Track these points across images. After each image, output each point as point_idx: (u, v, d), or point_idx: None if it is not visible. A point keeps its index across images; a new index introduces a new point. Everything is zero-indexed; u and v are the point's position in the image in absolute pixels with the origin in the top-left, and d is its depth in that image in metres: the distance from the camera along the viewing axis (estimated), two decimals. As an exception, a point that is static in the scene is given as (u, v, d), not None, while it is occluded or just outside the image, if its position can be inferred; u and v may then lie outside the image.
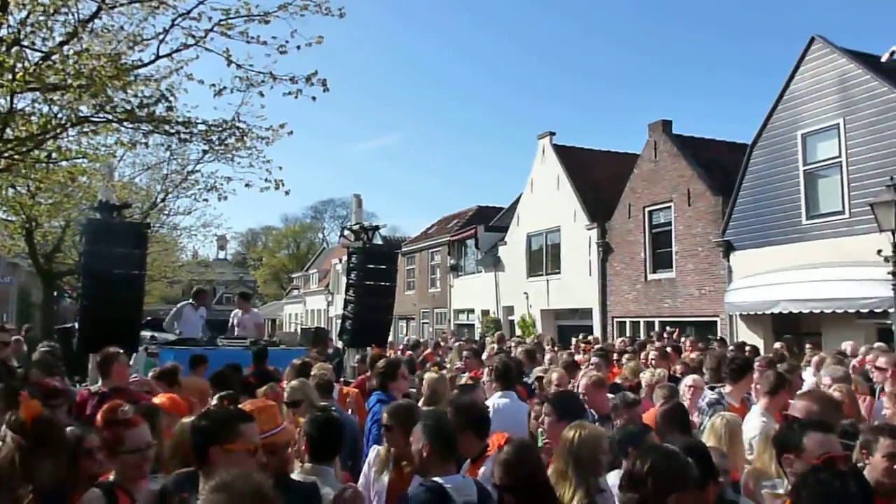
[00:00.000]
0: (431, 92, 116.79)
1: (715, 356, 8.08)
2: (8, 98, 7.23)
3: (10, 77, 6.39)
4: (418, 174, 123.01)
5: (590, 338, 16.47)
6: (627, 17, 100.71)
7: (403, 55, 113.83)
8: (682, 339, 14.19)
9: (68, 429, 3.65)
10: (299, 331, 18.18)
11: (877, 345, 9.97)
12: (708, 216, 18.42)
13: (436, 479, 3.51)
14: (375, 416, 5.45)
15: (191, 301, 13.01)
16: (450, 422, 3.98)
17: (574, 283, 23.25)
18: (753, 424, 5.11)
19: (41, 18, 6.78)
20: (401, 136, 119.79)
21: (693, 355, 10.14)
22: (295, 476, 3.67)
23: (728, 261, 17.60)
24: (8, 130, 7.34)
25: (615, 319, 21.70)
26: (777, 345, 12.93)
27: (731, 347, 13.03)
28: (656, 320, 19.81)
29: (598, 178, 23.39)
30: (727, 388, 6.08)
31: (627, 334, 19.67)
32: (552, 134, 25.56)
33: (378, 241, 13.89)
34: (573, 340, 15.53)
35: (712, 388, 6.19)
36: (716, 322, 17.95)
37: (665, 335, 15.88)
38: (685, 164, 19.25)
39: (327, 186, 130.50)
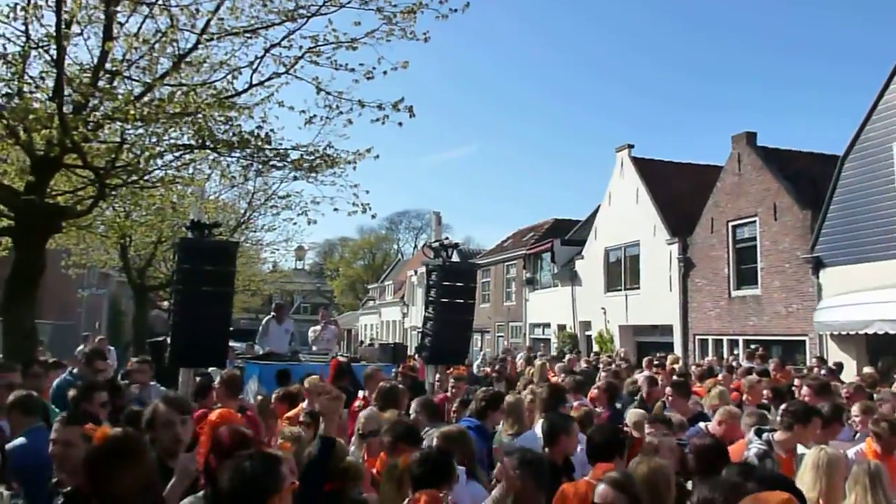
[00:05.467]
0: (507, 108, 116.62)
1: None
2: (119, 130, 7.63)
3: (121, 109, 6.73)
4: (491, 186, 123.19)
5: (665, 357, 15.98)
6: (709, 39, 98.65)
7: (477, 74, 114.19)
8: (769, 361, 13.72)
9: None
10: (378, 346, 18.42)
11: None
12: (795, 231, 17.81)
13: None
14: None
15: (273, 315, 13.52)
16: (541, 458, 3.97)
17: (654, 298, 22.82)
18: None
19: (146, 53, 7.14)
20: (475, 147, 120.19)
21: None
22: None
23: (817, 277, 16.97)
24: (119, 160, 7.74)
25: (697, 337, 21.17)
26: (867, 369, 12.37)
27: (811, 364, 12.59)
28: (740, 338, 19.25)
29: (678, 192, 22.91)
30: (778, 435, 5.28)
31: (710, 352, 19.21)
32: (631, 146, 25.20)
33: (456, 258, 13.96)
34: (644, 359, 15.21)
35: (759, 434, 5.33)
36: (804, 342, 17.32)
37: (748, 353, 15.43)
38: (771, 176, 18.70)
39: (402, 198, 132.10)
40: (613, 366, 12.83)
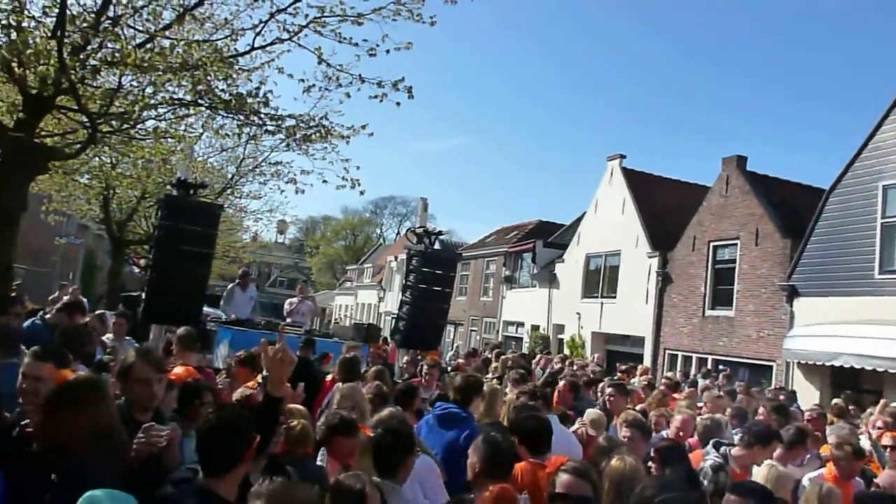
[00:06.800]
0: (499, 113, 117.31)
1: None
2: (117, 76, 7.57)
3: (123, 51, 6.65)
4: (475, 183, 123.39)
5: (635, 367, 16.12)
6: (706, 70, 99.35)
7: (487, 56, 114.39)
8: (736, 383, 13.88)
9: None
10: (352, 325, 18.42)
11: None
12: (774, 258, 18.00)
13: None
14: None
15: (237, 282, 13.58)
16: (508, 442, 4.00)
17: (629, 309, 22.97)
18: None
19: (151, 1, 7.07)
20: (470, 139, 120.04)
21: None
22: None
23: (791, 306, 17.16)
24: (112, 106, 7.67)
25: (667, 351, 21.35)
26: (836, 400, 12.56)
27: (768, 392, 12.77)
28: (710, 357, 19.43)
29: (664, 207, 23.06)
30: (736, 451, 5.41)
31: (679, 368, 19.37)
32: (622, 157, 25.33)
33: (438, 246, 14.01)
34: (617, 366, 15.34)
35: (718, 447, 5.49)
36: (771, 367, 17.53)
37: (716, 374, 15.60)
38: (756, 202, 18.87)
39: (389, 182, 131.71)
40: (585, 369, 12.94)
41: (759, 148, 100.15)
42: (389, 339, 14.37)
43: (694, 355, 20.23)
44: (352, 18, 8.00)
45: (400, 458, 3.82)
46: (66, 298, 11.17)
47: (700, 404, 9.57)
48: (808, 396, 14.43)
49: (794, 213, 18.29)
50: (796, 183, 20.90)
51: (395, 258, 43.02)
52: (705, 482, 5.02)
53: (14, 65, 6.65)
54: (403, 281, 13.20)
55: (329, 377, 7.87)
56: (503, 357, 13.38)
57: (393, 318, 14.84)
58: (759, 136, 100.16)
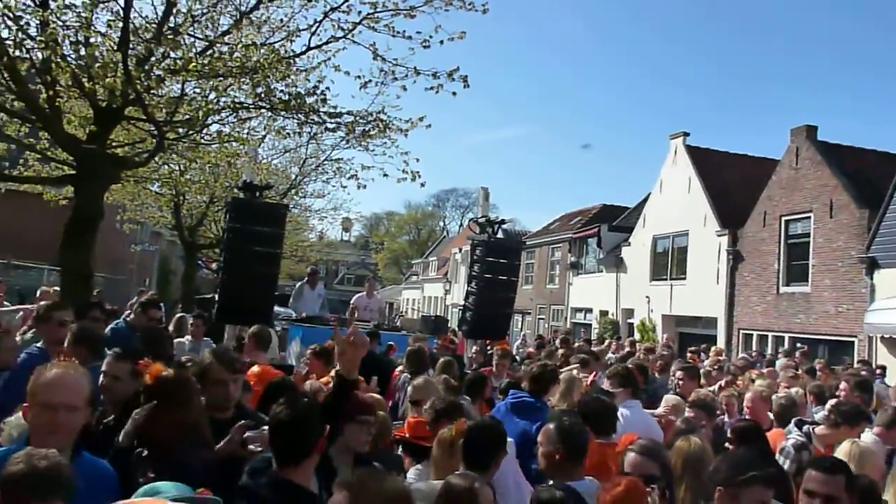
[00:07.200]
0: (567, 82, 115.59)
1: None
2: (180, 84, 7.83)
3: (184, 57, 6.87)
4: (542, 167, 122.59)
5: (709, 348, 15.77)
6: (768, 44, 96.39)
7: (543, 43, 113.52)
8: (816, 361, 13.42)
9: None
10: (420, 318, 18.58)
11: None
12: (851, 230, 17.35)
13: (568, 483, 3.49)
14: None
15: (306, 280, 13.87)
16: (581, 425, 3.96)
17: (699, 290, 22.50)
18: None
19: (209, 9, 7.27)
20: (528, 128, 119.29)
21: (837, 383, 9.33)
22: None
23: (871, 278, 16.53)
24: (178, 114, 7.93)
25: (741, 331, 20.85)
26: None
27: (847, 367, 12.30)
28: (786, 335, 18.89)
29: (731, 183, 22.49)
30: (821, 429, 5.22)
31: (754, 348, 18.89)
32: (686, 135, 24.77)
33: (501, 235, 13.97)
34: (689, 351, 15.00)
35: (800, 426, 5.30)
36: (852, 343, 16.93)
37: (796, 352, 15.13)
38: (829, 172, 18.21)
39: (450, 175, 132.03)
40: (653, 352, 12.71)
41: (829, 119, 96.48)
42: (458, 331, 14.41)
43: (769, 334, 19.71)
44: (404, 12, 8.03)
45: (493, 452, 3.80)
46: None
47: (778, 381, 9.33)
48: (894, 372, 13.91)
49: (870, 182, 17.60)
50: (871, 150, 20.10)
51: (460, 250, 43.11)
52: (787, 462, 4.90)
53: (84, 79, 6.93)
54: (468, 272, 13.20)
55: (398, 369, 7.98)
56: (576, 345, 13.32)
57: (460, 309, 14.87)
58: (828, 109, 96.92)
